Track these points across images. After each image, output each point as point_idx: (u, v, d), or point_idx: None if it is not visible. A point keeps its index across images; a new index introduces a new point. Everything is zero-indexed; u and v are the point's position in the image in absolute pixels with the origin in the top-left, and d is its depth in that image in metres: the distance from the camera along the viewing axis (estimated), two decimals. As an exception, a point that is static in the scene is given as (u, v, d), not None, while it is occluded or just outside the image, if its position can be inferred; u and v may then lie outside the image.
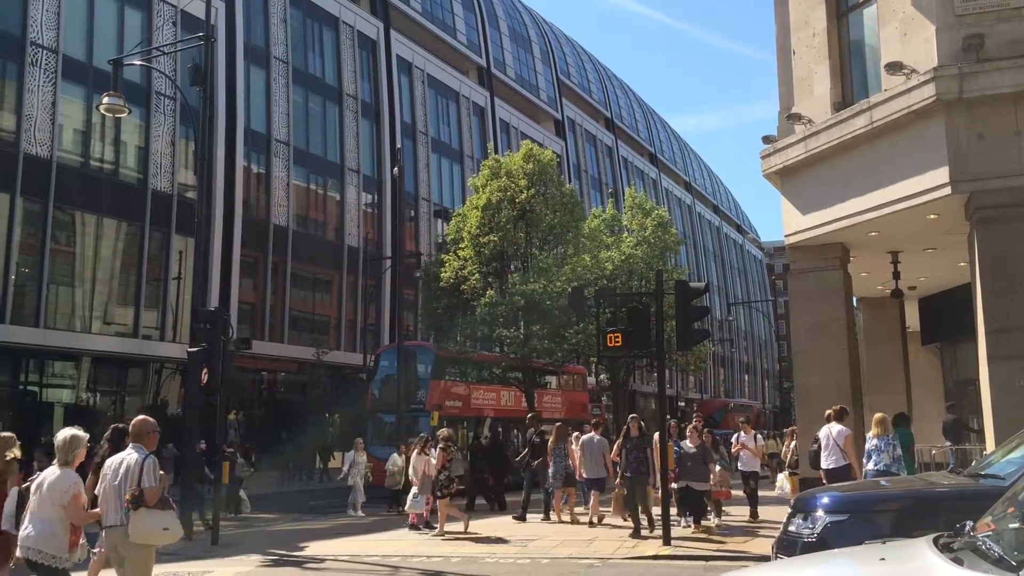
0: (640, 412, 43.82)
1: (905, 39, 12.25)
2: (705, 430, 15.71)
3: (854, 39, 14.08)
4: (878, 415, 11.35)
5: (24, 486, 7.41)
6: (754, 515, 15.68)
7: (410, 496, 15.62)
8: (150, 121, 30.78)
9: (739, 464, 16.44)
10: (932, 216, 12.54)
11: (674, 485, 13.95)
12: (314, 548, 12.30)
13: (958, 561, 3.67)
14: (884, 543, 4.72)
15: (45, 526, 6.46)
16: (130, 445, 6.78)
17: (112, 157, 30.04)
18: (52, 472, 6.59)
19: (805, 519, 7.30)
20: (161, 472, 6.68)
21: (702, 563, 11.28)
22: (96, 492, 6.93)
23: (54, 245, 27.48)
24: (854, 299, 17.51)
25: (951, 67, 11.35)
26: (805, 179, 14.23)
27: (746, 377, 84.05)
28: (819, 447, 12.00)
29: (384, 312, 39.94)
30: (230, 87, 33.84)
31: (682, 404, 58.65)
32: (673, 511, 13.77)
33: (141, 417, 7.00)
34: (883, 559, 4.13)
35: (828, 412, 12.11)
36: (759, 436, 17.65)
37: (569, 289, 22.76)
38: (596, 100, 65.74)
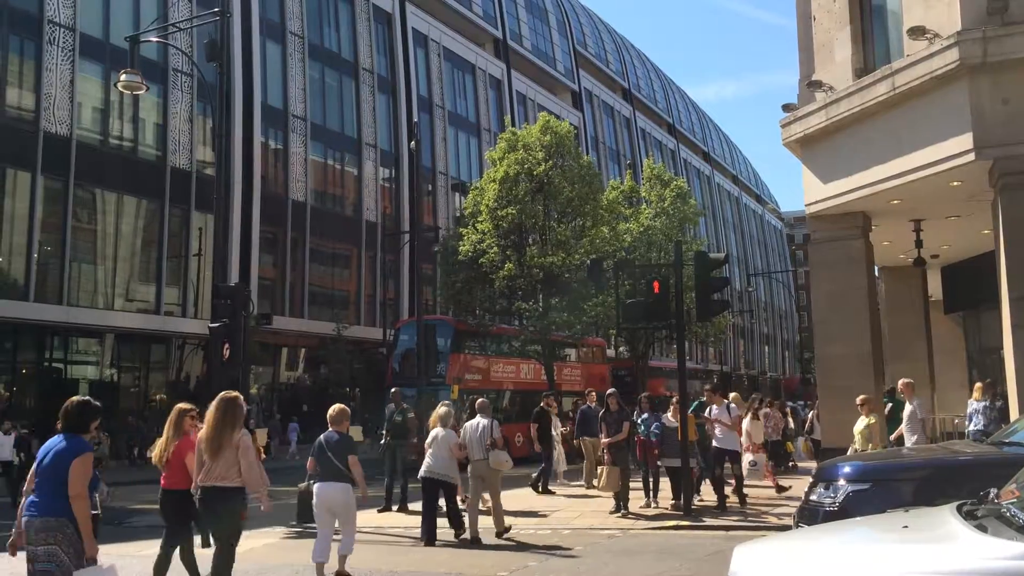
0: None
1: (928, 3, 12.01)
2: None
3: (876, 4, 13.80)
4: (979, 383, 12.55)
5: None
6: (729, 501, 13.29)
7: (746, 463, 14.15)
8: (167, 98, 30.87)
9: (713, 442, 13.50)
10: (955, 183, 12.36)
11: (659, 463, 13.69)
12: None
13: (982, 528, 3.66)
14: (907, 511, 4.72)
15: (442, 460, 10.92)
16: (478, 415, 11.60)
17: (131, 134, 30.17)
18: (440, 431, 10.98)
19: (827, 488, 7.29)
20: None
21: (723, 533, 11.32)
22: (460, 441, 11.22)
23: (75, 223, 27.71)
24: (876, 268, 17.37)
25: (975, 31, 11.12)
26: (826, 147, 14.05)
27: (766, 348, 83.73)
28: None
29: (403, 286, 40.05)
30: (246, 63, 33.82)
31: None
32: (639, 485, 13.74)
33: (481, 399, 12.32)
34: (906, 527, 4.12)
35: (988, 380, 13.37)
36: (732, 406, 13.89)
37: (588, 261, 22.70)
38: (613, 71, 65.14)
